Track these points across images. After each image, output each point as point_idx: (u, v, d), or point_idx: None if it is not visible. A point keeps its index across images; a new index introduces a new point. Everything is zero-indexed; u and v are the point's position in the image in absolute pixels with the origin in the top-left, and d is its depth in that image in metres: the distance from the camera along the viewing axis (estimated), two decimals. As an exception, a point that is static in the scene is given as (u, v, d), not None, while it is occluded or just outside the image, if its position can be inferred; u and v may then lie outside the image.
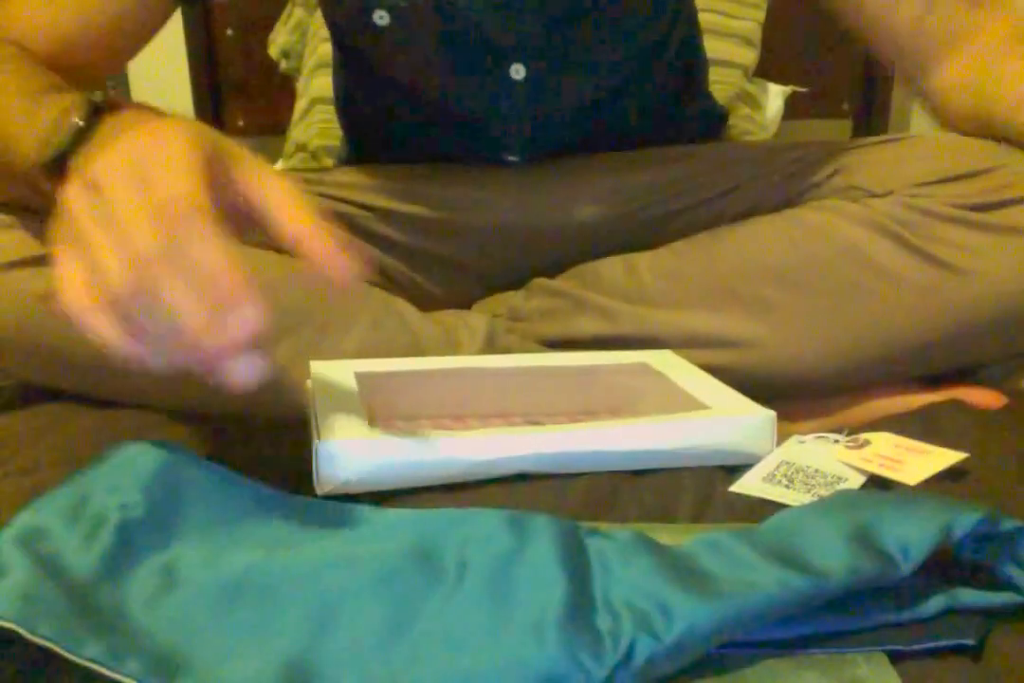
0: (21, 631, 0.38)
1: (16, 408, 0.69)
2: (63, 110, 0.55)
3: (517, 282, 0.82)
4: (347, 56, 0.87)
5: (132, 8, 0.71)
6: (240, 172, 0.47)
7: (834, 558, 0.42)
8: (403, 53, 0.78)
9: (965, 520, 0.42)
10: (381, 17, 0.75)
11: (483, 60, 0.77)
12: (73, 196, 0.45)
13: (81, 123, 0.53)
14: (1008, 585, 0.43)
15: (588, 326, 0.75)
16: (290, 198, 0.46)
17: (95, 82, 0.73)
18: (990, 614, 0.42)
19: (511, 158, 0.82)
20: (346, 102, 0.95)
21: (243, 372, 0.44)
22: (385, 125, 0.89)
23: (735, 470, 0.59)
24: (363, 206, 0.80)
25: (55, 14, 0.69)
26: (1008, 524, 0.43)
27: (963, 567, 0.44)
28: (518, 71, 0.77)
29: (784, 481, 0.56)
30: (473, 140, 0.82)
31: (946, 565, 0.44)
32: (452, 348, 0.73)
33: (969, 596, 0.42)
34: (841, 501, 0.48)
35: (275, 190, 0.47)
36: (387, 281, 0.81)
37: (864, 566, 0.41)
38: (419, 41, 0.76)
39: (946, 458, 0.57)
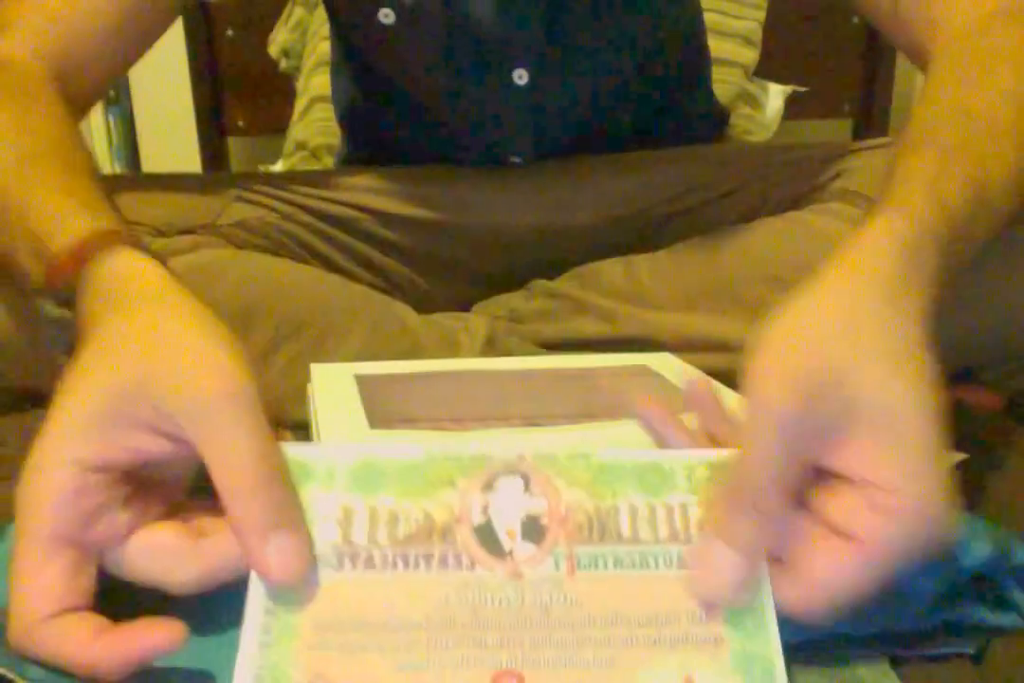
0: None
1: (16, 409, 0.69)
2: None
3: (517, 284, 0.82)
4: (350, 56, 0.87)
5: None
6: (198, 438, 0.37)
7: None
8: (407, 53, 0.78)
9: (974, 554, 0.42)
10: (387, 15, 0.75)
11: (486, 64, 0.76)
12: None
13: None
14: (1012, 606, 0.43)
15: (588, 328, 0.75)
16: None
17: (101, 83, 0.73)
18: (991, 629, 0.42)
19: (514, 159, 0.82)
20: (347, 103, 0.95)
21: None
22: (387, 126, 0.89)
23: (735, 472, 0.58)
24: (363, 209, 0.80)
25: (62, 5, 0.68)
26: (1020, 556, 0.42)
27: (968, 579, 0.43)
28: (521, 76, 0.77)
29: (784, 483, 0.56)
30: (476, 142, 0.82)
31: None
32: (452, 350, 0.73)
33: (972, 614, 0.42)
34: None
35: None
36: (387, 283, 0.81)
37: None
38: (424, 42, 0.76)
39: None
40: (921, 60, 0.64)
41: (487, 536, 0.39)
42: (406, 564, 0.38)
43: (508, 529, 0.39)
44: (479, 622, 0.37)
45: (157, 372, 0.37)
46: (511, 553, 0.39)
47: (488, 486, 0.40)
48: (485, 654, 0.36)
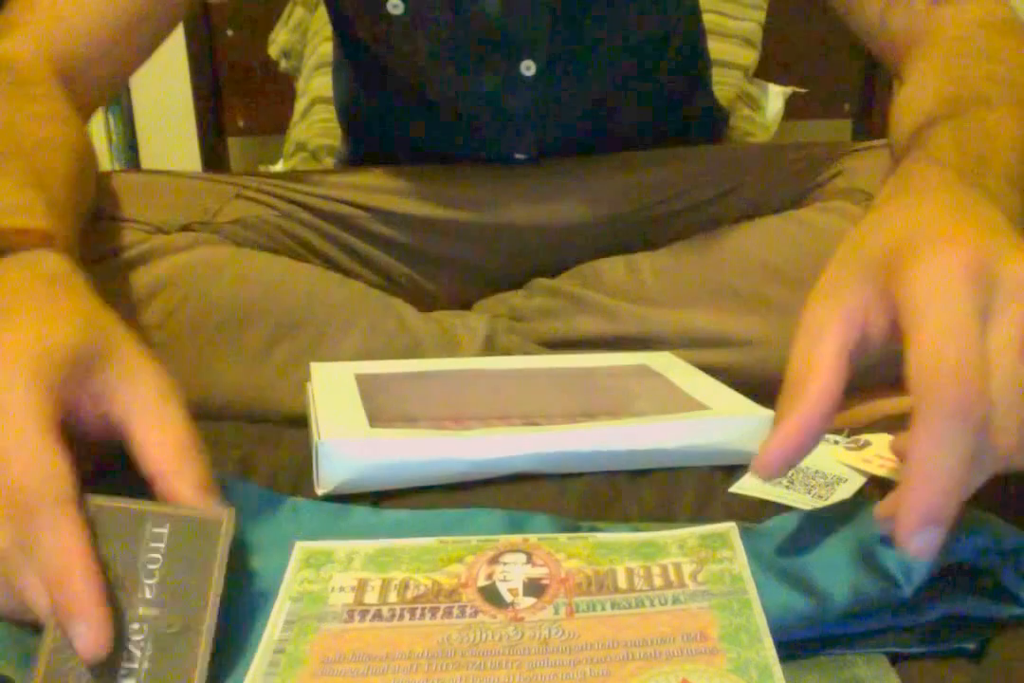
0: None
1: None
2: None
3: (518, 282, 0.82)
4: (353, 52, 0.87)
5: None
6: (109, 384, 0.41)
7: (837, 578, 0.42)
8: (414, 45, 0.78)
9: (968, 540, 0.42)
10: (395, 5, 0.75)
11: (494, 56, 0.77)
12: None
13: None
14: (1010, 596, 0.43)
15: (589, 325, 0.75)
16: (163, 428, 0.41)
17: (113, 85, 0.73)
18: (992, 621, 0.42)
19: (519, 156, 0.82)
20: (349, 102, 0.95)
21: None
22: (390, 124, 0.89)
23: (735, 470, 0.58)
24: (364, 207, 0.80)
25: (68, 7, 0.69)
26: (1012, 541, 0.42)
27: (965, 571, 0.43)
28: (529, 67, 0.77)
29: (784, 481, 0.56)
30: (482, 137, 0.82)
31: (948, 569, 0.44)
32: (452, 349, 0.73)
33: (971, 605, 0.42)
34: (846, 513, 0.47)
35: (149, 415, 0.41)
36: (387, 281, 0.81)
37: (866, 587, 0.41)
38: (431, 32, 0.76)
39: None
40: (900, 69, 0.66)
41: (491, 593, 0.42)
42: (412, 616, 0.41)
43: (511, 588, 0.42)
44: (478, 652, 0.39)
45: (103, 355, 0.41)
46: (513, 604, 0.41)
47: (494, 560, 0.44)
48: (483, 674, 0.38)
